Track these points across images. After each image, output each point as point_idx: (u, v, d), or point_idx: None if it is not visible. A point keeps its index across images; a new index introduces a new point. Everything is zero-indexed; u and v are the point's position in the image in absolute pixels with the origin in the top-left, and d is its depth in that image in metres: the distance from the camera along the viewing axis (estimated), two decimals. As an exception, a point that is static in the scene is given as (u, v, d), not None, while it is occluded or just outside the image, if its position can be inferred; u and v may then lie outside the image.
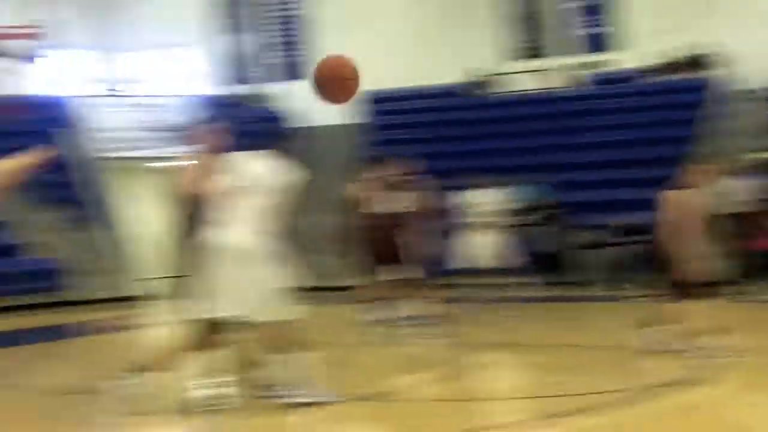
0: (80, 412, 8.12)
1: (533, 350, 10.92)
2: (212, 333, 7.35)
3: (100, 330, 10.26)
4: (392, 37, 27.86)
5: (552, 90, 26.24)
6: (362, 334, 11.81)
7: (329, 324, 12.69)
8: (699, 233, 9.47)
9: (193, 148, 7.90)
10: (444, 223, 14.44)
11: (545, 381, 8.89)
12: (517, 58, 28.05)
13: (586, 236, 19.34)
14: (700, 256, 9.35)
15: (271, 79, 29.70)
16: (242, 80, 29.86)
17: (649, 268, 9.91)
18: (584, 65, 26.92)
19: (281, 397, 7.42)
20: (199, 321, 7.32)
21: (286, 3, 30.32)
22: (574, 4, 27.87)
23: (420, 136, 24.72)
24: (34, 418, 8.02)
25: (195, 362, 7.51)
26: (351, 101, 7.62)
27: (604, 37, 27.38)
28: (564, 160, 22.26)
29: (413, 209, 12.42)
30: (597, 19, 27.45)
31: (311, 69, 7.75)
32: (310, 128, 25.56)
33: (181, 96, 27.48)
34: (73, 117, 24.88)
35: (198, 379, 7.54)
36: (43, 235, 20.78)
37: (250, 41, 30.90)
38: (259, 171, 7.50)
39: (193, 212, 7.50)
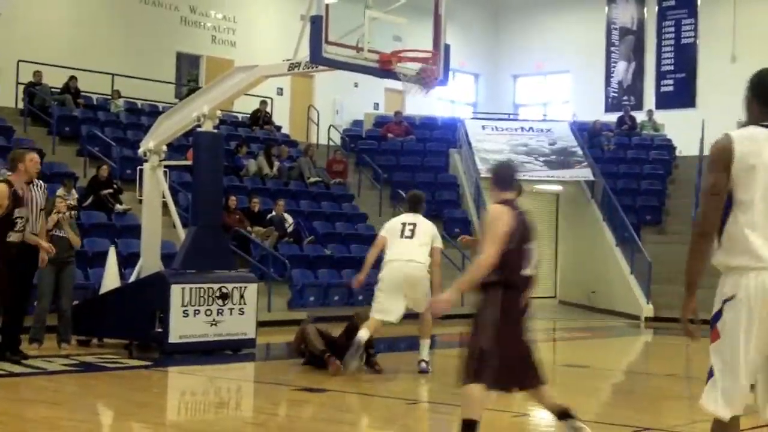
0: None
1: None
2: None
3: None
4: None
5: None
6: None
7: None
8: None
9: None
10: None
11: None
12: None
13: None
14: None
15: (662, 106, 29.48)
16: (635, 107, 29.76)
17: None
18: None
19: None
20: None
21: (679, 32, 29.87)
22: None
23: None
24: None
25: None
26: None
27: None
28: None
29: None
30: None
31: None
32: (698, 158, 24.97)
33: (565, 121, 27.80)
34: (463, 138, 25.90)
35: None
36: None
37: (638, 69, 30.80)
38: None
39: None
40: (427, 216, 11.19)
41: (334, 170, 23.85)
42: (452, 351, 13.53)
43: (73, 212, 13.11)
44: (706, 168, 4.72)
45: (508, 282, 6.29)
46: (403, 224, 10.83)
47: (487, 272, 6.23)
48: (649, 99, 30.35)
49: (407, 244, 10.63)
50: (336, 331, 11.33)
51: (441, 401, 9.26)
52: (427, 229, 10.84)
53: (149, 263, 13.41)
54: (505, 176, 6.68)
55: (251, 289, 12.92)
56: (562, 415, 6.59)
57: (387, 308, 10.52)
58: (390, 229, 11.02)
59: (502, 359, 6.20)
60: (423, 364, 10.89)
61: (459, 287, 6.35)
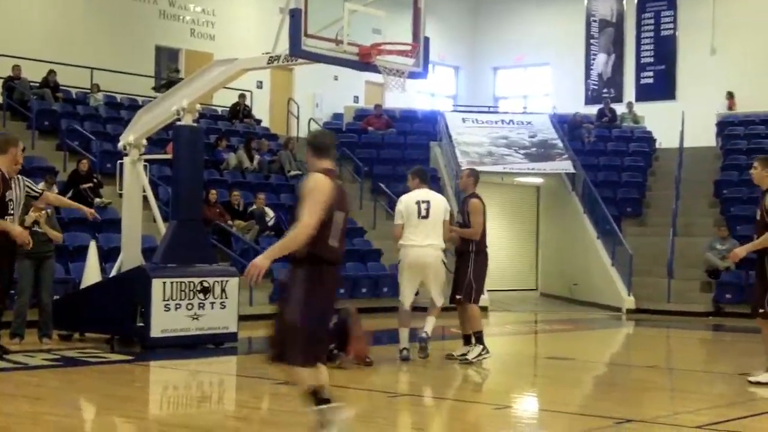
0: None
1: None
2: None
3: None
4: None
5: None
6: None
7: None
8: None
9: None
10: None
11: None
12: None
13: None
14: None
15: (642, 98, 29.60)
16: (615, 99, 29.82)
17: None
18: None
19: None
20: None
21: (659, 24, 29.99)
22: None
23: None
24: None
25: None
26: None
27: None
28: None
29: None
30: None
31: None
32: (678, 150, 25.09)
33: (545, 114, 27.81)
34: (443, 131, 25.89)
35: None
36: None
37: (618, 61, 30.90)
38: None
39: None
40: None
41: (314, 164, 23.80)
42: (437, 344, 13.61)
43: (49, 210, 13.00)
44: None
45: (316, 255, 6.18)
46: (418, 203, 11.03)
47: (305, 242, 6.11)
48: (629, 91, 30.41)
49: (425, 225, 10.98)
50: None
51: (422, 394, 9.26)
52: (440, 206, 11.20)
53: (130, 257, 13.36)
54: (322, 144, 6.63)
55: (232, 283, 12.90)
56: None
57: (409, 294, 11.16)
58: (406, 211, 11.18)
59: (309, 337, 6.22)
60: (405, 352, 11.19)
61: (272, 254, 6.20)
